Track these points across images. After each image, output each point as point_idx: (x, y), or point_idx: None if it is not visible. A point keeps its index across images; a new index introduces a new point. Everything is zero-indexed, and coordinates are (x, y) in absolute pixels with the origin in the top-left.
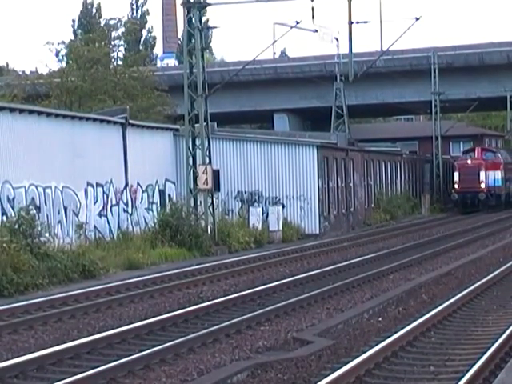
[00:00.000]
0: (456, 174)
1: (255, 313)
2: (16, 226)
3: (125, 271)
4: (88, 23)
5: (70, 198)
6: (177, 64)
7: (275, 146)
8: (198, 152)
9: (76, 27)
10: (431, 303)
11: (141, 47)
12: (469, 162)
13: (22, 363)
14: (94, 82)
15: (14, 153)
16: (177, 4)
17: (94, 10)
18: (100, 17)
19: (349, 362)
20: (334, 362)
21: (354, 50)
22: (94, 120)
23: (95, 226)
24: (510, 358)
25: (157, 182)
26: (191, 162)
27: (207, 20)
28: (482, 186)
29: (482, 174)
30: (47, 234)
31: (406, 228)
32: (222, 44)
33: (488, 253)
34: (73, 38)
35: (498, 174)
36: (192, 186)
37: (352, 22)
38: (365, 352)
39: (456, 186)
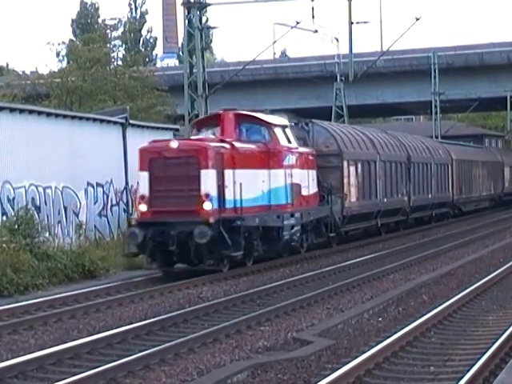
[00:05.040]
0: (143, 181)
1: (255, 313)
2: (16, 226)
3: (125, 271)
4: (86, 23)
5: (70, 198)
6: (178, 64)
7: None
8: None
9: (75, 27)
10: (431, 303)
11: (141, 47)
12: (174, 145)
13: (21, 363)
14: (94, 82)
15: (14, 153)
16: (177, 4)
17: (92, 11)
18: (98, 17)
19: (349, 362)
20: (334, 362)
21: (354, 50)
22: (94, 120)
23: (95, 226)
24: (510, 358)
25: None
26: None
27: (207, 20)
28: (207, 207)
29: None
30: (47, 234)
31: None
32: (222, 44)
33: (488, 253)
34: (72, 37)
35: (281, 177)
36: None
37: (352, 22)
38: (365, 352)
39: (140, 207)
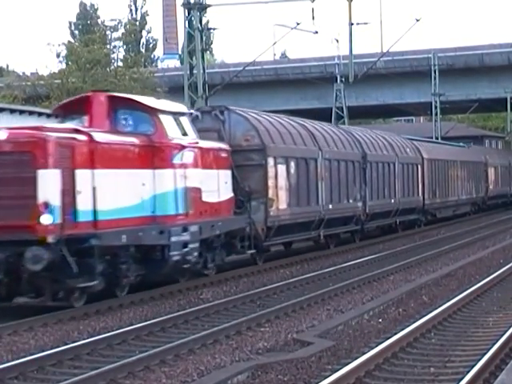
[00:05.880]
0: None
1: (255, 314)
2: None
3: None
4: (86, 24)
5: None
6: (179, 65)
7: None
8: None
9: (73, 29)
10: (431, 304)
11: (141, 48)
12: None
13: (22, 364)
14: (94, 84)
15: None
16: (177, 5)
17: (92, 12)
18: (98, 18)
19: (349, 363)
20: (334, 363)
21: (354, 51)
22: None
23: None
24: (510, 359)
25: None
26: None
27: (207, 21)
28: (45, 220)
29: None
30: None
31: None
32: (222, 45)
33: (488, 254)
34: (71, 39)
35: (169, 179)
36: None
37: (352, 23)
38: (365, 353)
39: None
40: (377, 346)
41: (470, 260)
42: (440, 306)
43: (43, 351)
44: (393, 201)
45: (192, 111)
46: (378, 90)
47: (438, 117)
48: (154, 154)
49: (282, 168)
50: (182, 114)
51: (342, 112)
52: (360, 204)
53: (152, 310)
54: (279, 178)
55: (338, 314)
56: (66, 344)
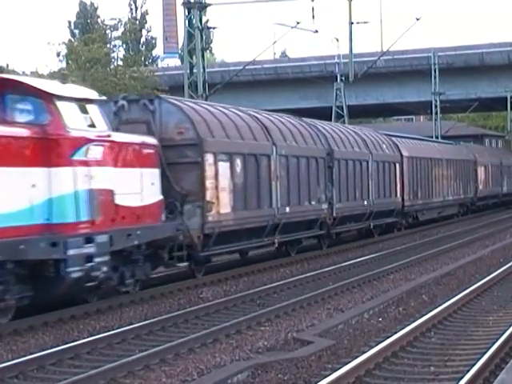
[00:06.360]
0: None
1: (255, 313)
2: None
3: None
4: (86, 24)
5: None
6: (179, 64)
7: None
8: None
9: (73, 28)
10: (431, 303)
11: (141, 48)
12: None
13: (22, 363)
14: (94, 83)
15: None
16: (177, 4)
17: (91, 11)
18: (98, 17)
19: (349, 362)
20: (334, 363)
21: (354, 51)
22: None
23: None
24: (510, 358)
25: None
26: None
27: (207, 20)
28: None
29: None
30: None
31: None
32: (222, 45)
33: (488, 253)
34: (71, 38)
35: (67, 179)
36: None
37: (352, 23)
38: (365, 352)
39: None
40: (377, 345)
41: (470, 259)
42: (440, 305)
43: (43, 350)
44: (366, 202)
45: (104, 98)
46: (378, 89)
47: (438, 116)
48: (50, 149)
49: (224, 166)
50: (89, 101)
51: (342, 111)
52: (325, 206)
53: (152, 309)
54: (221, 178)
55: (338, 313)
56: (66, 343)
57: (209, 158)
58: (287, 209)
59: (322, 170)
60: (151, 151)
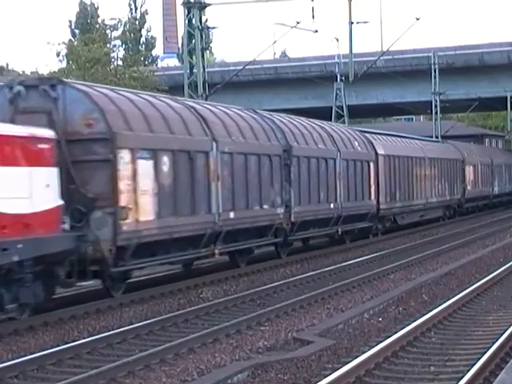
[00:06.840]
0: None
1: (255, 313)
2: None
3: None
4: (86, 23)
5: None
6: (179, 64)
7: None
8: None
9: (73, 27)
10: (431, 303)
11: (141, 47)
12: None
13: (22, 363)
14: (94, 82)
15: None
16: (177, 4)
17: (92, 11)
18: (98, 17)
19: (349, 362)
20: (335, 362)
21: (354, 50)
22: None
23: None
24: (510, 357)
25: None
26: None
27: (207, 20)
28: None
29: None
30: None
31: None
32: (222, 44)
33: (488, 253)
34: (71, 38)
35: None
36: None
37: (352, 22)
38: (365, 352)
39: None
40: (377, 344)
41: (470, 259)
42: (440, 305)
43: (43, 350)
44: (332, 206)
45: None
46: (378, 88)
47: (438, 116)
48: None
49: (145, 165)
50: None
51: (342, 111)
52: (281, 210)
53: (152, 308)
54: (141, 179)
55: (338, 312)
56: (66, 343)
57: (124, 155)
58: (231, 214)
59: (276, 169)
60: (45, 146)
